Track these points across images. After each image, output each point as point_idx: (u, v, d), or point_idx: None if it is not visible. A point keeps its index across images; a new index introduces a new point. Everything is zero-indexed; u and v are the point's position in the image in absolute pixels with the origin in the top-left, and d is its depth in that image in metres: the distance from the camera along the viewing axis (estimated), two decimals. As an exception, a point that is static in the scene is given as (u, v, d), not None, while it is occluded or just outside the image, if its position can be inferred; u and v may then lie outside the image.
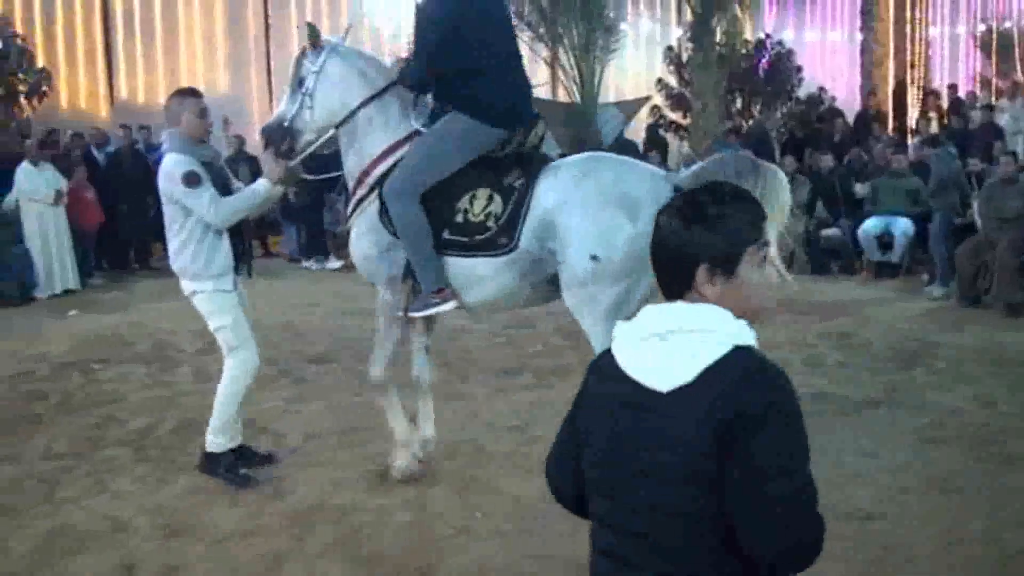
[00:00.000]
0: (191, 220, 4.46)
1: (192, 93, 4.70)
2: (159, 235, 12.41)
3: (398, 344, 4.61)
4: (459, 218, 4.31)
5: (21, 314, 9.62)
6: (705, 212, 1.75)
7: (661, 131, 15.66)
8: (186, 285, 4.60)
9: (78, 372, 7.09)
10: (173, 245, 4.57)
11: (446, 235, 4.31)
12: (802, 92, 15.79)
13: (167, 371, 7.03)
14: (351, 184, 4.63)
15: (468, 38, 4.27)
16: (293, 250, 13.36)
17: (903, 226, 10.36)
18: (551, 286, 4.35)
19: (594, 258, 4.07)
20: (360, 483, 4.66)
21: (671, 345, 1.71)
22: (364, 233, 4.51)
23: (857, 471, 4.67)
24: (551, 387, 6.26)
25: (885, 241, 10.59)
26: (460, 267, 4.35)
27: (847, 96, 16.99)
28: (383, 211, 4.38)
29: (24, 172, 10.46)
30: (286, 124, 4.57)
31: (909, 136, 14.95)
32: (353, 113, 4.49)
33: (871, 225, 10.55)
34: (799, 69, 15.76)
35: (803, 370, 6.53)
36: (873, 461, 4.83)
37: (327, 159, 5.88)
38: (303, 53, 4.62)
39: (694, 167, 4.52)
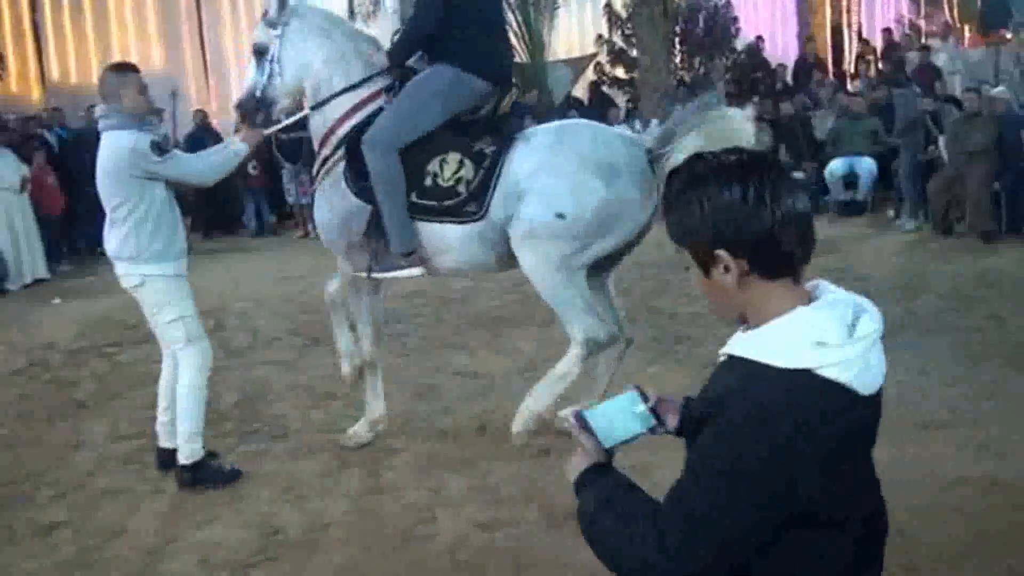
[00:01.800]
0: (147, 198, 4.17)
1: (131, 68, 4.43)
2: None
3: (357, 315, 4.69)
4: (428, 181, 4.29)
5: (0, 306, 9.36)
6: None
7: (604, 88, 15.85)
8: (134, 272, 4.25)
9: (96, 358, 6.99)
10: (121, 230, 4.19)
11: (413, 198, 4.29)
12: (740, 43, 16.15)
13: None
14: (316, 144, 4.60)
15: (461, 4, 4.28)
16: (253, 227, 13.16)
17: (867, 166, 10.84)
18: (513, 257, 4.35)
19: (559, 215, 4.11)
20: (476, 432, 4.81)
21: None
22: (327, 196, 4.48)
23: (920, 386, 4.99)
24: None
25: (849, 181, 11.06)
26: (428, 232, 4.33)
27: (783, 44, 17.42)
28: (347, 172, 4.35)
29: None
30: (258, 95, 4.51)
31: (847, 81, 15.44)
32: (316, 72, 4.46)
33: (836, 166, 10.99)
34: (735, 20, 16.11)
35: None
36: (926, 378, 5.16)
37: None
38: (265, 18, 4.55)
39: (660, 128, 4.63)
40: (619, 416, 1.70)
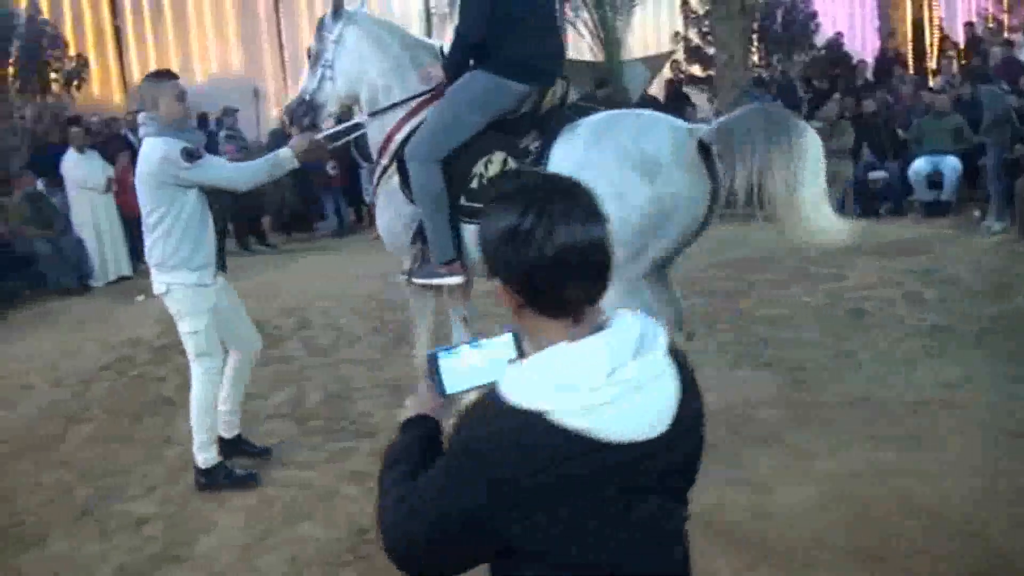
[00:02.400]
0: (176, 206, 4.20)
1: (168, 75, 4.45)
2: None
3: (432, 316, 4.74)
4: (474, 183, 4.21)
5: (85, 303, 9.57)
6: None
7: (681, 86, 15.69)
8: (159, 280, 4.32)
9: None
10: (152, 236, 4.27)
11: (462, 201, 4.25)
12: (819, 39, 15.86)
13: (275, 347, 7.01)
14: (375, 154, 4.61)
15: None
16: (333, 226, 13.27)
17: (952, 164, 10.52)
18: None
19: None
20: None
21: None
22: (387, 204, 4.52)
23: (1012, 393, 4.82)
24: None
25: (933, 180, 10.76)
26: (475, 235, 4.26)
27: (863, 40, 17.08)
28: (403, 179, 4.36)
29: (72, 161, 10.33)
30: (307, 99, 4.57)
31: (930, 77, 15.06)
32: (373, 81, 4.49)
33: (921, 165, 10.70)
34: (814, 15, 15.82)
35: (908, 306, 6.69)
36: (1020, 385, 4.95)
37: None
38: (322, 24, 4.57)
39: (721, 118, 4.25)
40: (484, 361, 1.63)
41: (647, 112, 4.48)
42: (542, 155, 4.11)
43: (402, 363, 6.27)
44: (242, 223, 11.78)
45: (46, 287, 9.92)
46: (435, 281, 4.38)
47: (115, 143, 11.61)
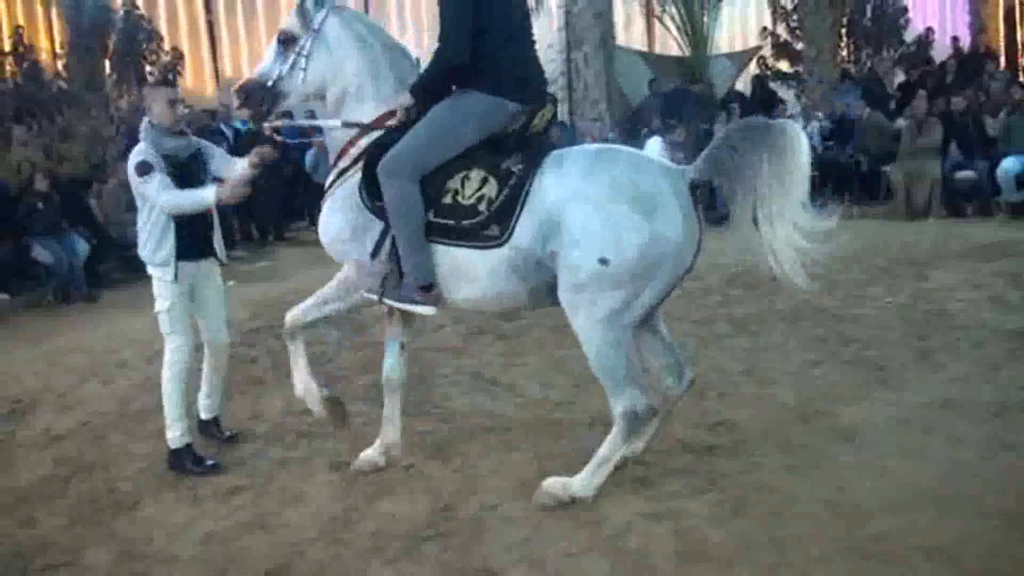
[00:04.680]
0: (146, 208, 4.57)
1: (164, 83, 4.82)
2: (291, 208, 12.80)
3: (330, 313, 4.31)
4: (447, 199, 3.92)
5: (180, 287, 9.92)
6: None
7: (768, 82, 15.54)
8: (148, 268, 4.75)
9: (271, 337, 7.33)
10: (139, 229, 4.68)
11: (431, 217, 3.92)
12: (909, 34, 15.54)
13: (359, 333, 7.19)
14: (332, 155, 4.32)
15: (489, 9, 3.93)
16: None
17: (1043, 163, 10.25)
18: (550, 294, 3.87)
19: (603, 261, 3.64)
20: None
21: None
22: (338, 209, 4.16)
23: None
24: (753, 335, 6.38)
25: (1022, 180, 10.46)
26: (447, 258, 3.95)
27: (954, 35, 16.65)
28: (363, 185, 4.04)
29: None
30: (270, 84, 4.23)
31: (1021, 73, 14.63)
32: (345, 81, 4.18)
33: (1009, 164, 10.42)
34: (905, 10, 15.51)
35: (992, 309, 6.55)
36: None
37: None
38: (302, 9, 4.21)
39: (704, 153, 3.85)
40: None
41: (636, 150, 4.30)
42: (525, 180, 3.83)
43: (481, 351, 6.43)
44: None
45: (140, 271, 10.30)
46: (408, 307, 4.03)
47: (209, 135, 11.99)
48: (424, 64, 4.17)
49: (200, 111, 13.23)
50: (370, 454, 4.48)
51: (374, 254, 4.05)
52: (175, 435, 4.68)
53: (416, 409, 5.30)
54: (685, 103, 13.09)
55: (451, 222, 3.89)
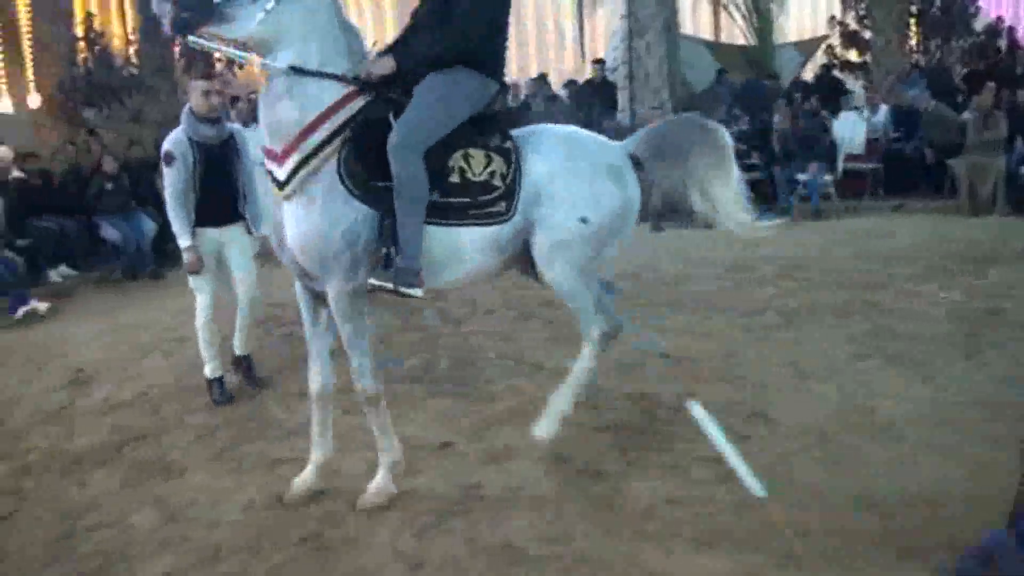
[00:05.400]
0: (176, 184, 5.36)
1: (202, 76, 5.71)
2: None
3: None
4: (454, 178, 3.90)
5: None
6: None
7: (835, 71, 15.29)
8: None
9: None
10: None
11: (435, 198, 3.84)
12: (979, 24, 15.15)
13: (412, 315, 7.33)
14: (280, 142, 3.72)
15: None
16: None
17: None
18: (509, 264, 4.19)
19: (583, 220, 4.06)
20: (671, 412, 4.88)
21: None
22: (320, 206, 3.71)
23: None
24: (801, 328, 6.35)
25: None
26: (442, 240, 3.91)
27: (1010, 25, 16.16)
28: (345, 174, 3.74)
29: (238, 135, 10.98)
30: (216, 1, 3.54)
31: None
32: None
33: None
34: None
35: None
36: None
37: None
38: None
39: (641, 132, 4.49)
40: None
41: (582, 129, 4.53)
42: (517, 156, 4.03)
43: (528, 336, 6.51)
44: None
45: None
46: (407, 291, 3.81)
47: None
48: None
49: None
50: (307, 478, 4.18)
51: (365, 246, 3.78)
52: (208, 368, 5.61)
53: (457, 390, 5.42)
54: (750, 94, 12.98)
55: (466, 199, 3.91)
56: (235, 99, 12.01)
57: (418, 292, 3.85)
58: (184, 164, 5.34)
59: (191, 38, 3.59)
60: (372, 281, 3.81)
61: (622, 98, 13.25)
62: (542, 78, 15.15)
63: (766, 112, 12.47)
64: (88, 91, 12.61)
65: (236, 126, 5.72)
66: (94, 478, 4.49)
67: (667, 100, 12.81)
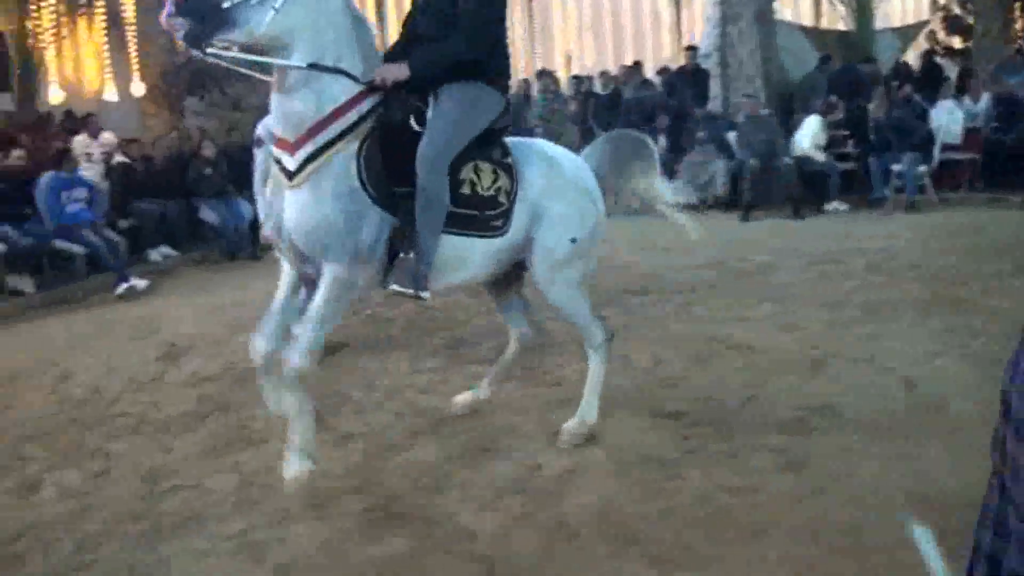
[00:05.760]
0: None
1: None
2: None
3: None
4: (465, 189, 4.01)
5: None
6: None
7: (936, 58, 14.83)
8: None
9: (408, 301, 7.66)
10: None
11: (452, 208, 3.95)
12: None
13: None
14: (293, 132, 3.74)
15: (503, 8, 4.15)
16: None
17: None
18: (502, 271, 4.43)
19: (573, 240, 4.28)
20: (740, 403, 4.88)
21: None
22: (330, 196, 3.71)
23: None
24: (881, 322, 6.25)
25: None
26: (452, 247, 4.01)
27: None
28: (366, 174, 3.76)
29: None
30: (225, 5, 3.45)
31: None
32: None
33: None
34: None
35: None
36: None
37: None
38: None
39: (588, 150, 4.83)
40: None
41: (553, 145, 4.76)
42: (517, 172, 4.18)
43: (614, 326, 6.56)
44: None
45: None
46: (418, 293, 3.92)
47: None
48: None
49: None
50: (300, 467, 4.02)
51: (372, 245, 3.81)
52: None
53: (527, 374, 5.51)
54: (845, 79, 12.70)
55: (474, 212, 4.03)
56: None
57: (427, 295, 3.98)
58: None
59: (209, 51, 3.53)
60: (394, 287, 3.89)
61: (714, 86, 13.11)
62: (636, 66, 15.10)
63: (862, 98, 12.19)
64: (190, 80, 13.09)
65: None
66: (178, 444, 4.75)
67: (760, 88, 12.63)
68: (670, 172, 12.10)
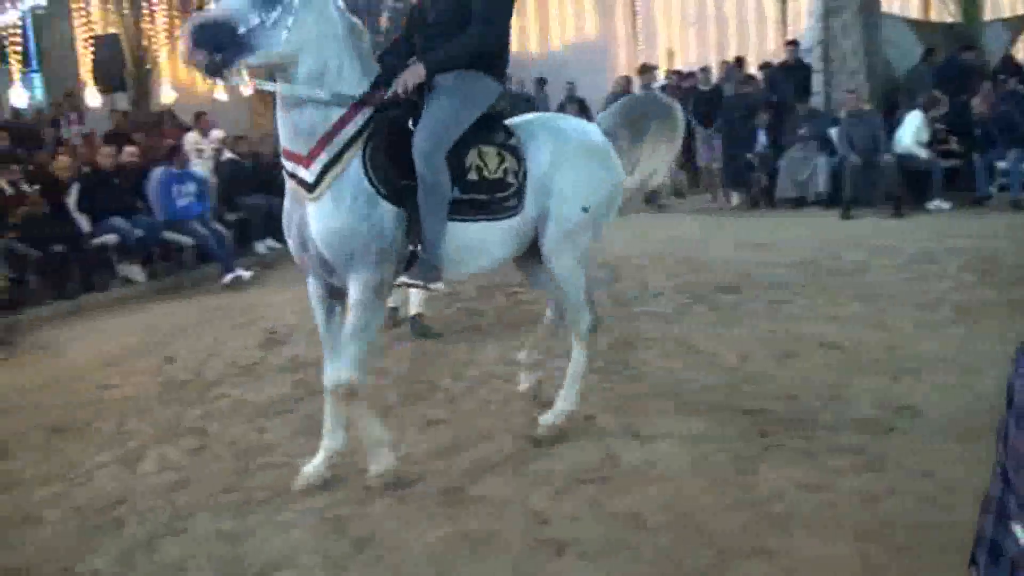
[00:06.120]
0: None
1: None
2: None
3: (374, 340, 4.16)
4: (472, 175, 4.06)
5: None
6: None
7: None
8: None
9: (501, 294, 7.86)
10: None
11: (456, 194, 3.98)
12: None
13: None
14: (305, 145, 3.82)
15: None
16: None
17: None
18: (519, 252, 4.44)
19: (584, 209, 4.33)
20: (824, 401, 4.87)
21: None
22: (349, 203, 3.80)
23: None
24: (972, 324, 6.10)
25: None
26: (463, 234, 4.07)
27: None
28: (371, 174, 3.85)
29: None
30: (240, 32, 3.51)
31: None
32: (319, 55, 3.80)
33: None
34: None
35: None
36: None
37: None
38: None
39: (609, 111, 4.93)
40: None
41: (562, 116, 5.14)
42: (523, 152, 4.25)
43: (691, 320, 6.60)
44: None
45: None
46: (433, 286, 4.03)
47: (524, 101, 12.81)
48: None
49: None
50: (318, 466, 4.18)
51: (392, 242, 3.90)
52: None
53: (611, 368, 5.59)
54: (948, 73, 12.31)
55: (483, 196, 4.09)
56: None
57: (440, 286, 4.07)
58: None
59: (233, 80, 3.71)
60: (403, 279, 3.98)
61: (816, 81, 12.84)
62: (738, 61, 14.94)
63: (966, 93, 11.80)
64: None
65: None
66: (272, 425, 5.00)
67: (864, 83, 12.34)
68: (771, 170, 12.04)
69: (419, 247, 3.90)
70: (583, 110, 13.63)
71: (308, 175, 3.83)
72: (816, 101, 12.71)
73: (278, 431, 4.92)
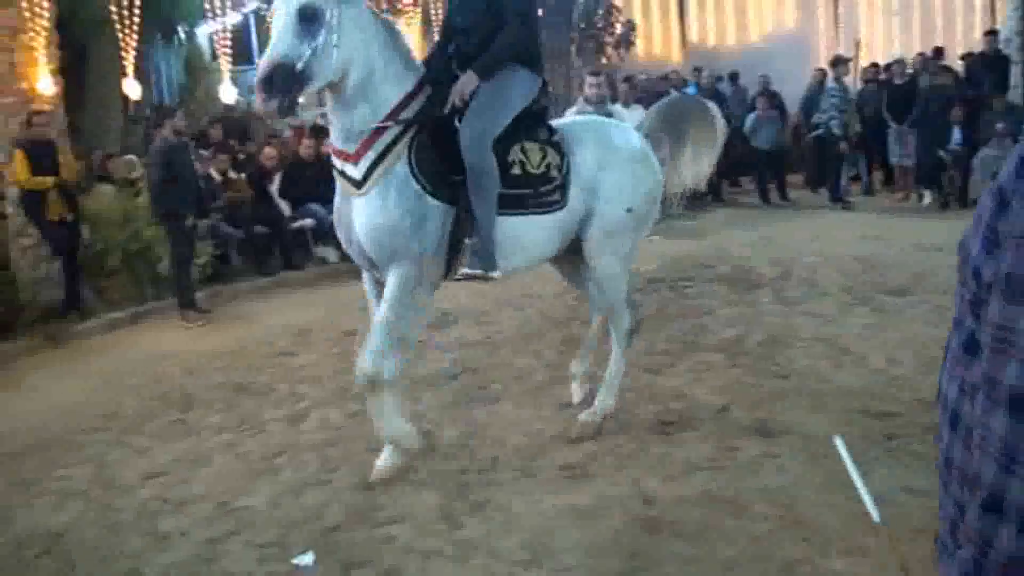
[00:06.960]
0: None
1: (592, 73, 7.00)
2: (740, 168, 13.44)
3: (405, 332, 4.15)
4: (516, 171, 4.16)
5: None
6: None
7: None
8: None
9: (667, 288, 8.00)
10: None
11: (502, 188, 4.08)
12: None
13: (748, 292, 7.61)
14: (354, 143, 3.99)
15: None
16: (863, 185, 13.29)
17: None
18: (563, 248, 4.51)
19: (629, 210, 4.42)
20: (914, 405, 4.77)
21: None
22: (394, 200, 3.95)
23: None
24: None
25: None
26: (515, 227, 4.18)
27: None
28: (418, 172, 4.00)
29: (617, 113, 11.76)
30: (298, 67, 3.70)
31: None
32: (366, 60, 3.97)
33: None
34: None
35: None
36: None
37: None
38: None
39: (649, 113, 5.09)
40: None
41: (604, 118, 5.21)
42: (565, 148, 4.36)
43: (850, 321, 6.54)
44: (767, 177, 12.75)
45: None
46: (493, 274, 4.16)
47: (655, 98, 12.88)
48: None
49: (657, 77, 14.20)
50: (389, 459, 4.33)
51: (436, 239, 4.03)
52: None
53: (756, 365, 5.67)
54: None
55: (528, 191, 4.21)
56: (626, 79, 12.79)
57: (497, 273, 4.15)
58: None
59: (301, 111, 4.17)
60: (464, 271, 4.13)
61: (1015, 73, 12.04)
62: (936, 52, 14.23)
63: None
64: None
65: (617, 106, 6.68)
66: (427, 396, 5.45)
67: (1066, 75, 11.48)
68: (965, 168, 11.45)
69: (472, 238, 4.06)
70: (776, 105, 13.39)
71: (356, 172, 4.03)
72: (1014, 95, 11.93)
73: (429, 402, 5.36)
